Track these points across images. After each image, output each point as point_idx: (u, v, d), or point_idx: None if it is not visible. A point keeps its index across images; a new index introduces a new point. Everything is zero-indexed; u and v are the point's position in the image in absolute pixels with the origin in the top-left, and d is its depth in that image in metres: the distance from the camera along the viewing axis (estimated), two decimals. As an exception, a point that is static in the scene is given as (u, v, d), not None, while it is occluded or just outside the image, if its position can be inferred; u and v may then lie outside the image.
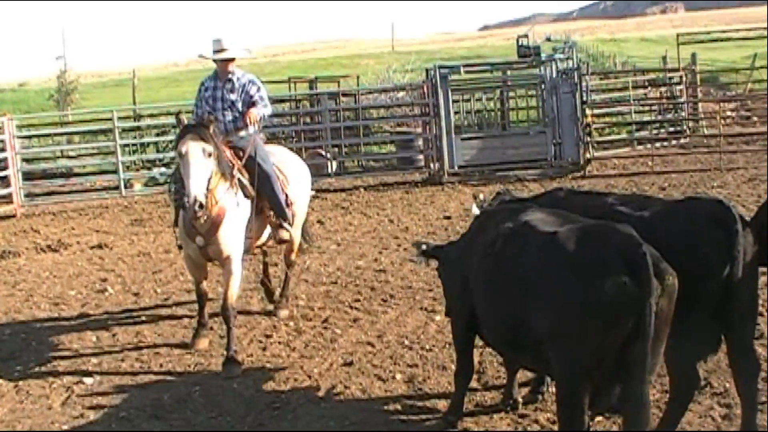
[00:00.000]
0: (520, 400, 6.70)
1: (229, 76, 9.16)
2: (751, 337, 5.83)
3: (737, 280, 5.36)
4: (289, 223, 9.27)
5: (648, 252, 4.79)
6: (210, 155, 7.97)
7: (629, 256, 4.80)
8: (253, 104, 9.10)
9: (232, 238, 8.47)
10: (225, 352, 8.22)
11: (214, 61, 9.18)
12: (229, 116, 9.11)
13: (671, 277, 4.93)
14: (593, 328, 4.83)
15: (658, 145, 21.34)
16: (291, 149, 21.01)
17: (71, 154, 24.76)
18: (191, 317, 9.81)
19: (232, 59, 9.17)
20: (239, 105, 9.11)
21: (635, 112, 23.19)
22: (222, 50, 9.07)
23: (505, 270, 5.48)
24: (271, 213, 9.09)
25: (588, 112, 19.80)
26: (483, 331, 6.01)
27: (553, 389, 5.97)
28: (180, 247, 9.26)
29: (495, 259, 5.61)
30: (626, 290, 4.75)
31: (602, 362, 4.88)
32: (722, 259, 5.35)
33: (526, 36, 24.35)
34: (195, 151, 7.87)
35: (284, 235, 9.35)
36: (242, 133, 9.09)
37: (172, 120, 22.12)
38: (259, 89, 9.22)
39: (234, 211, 8.46)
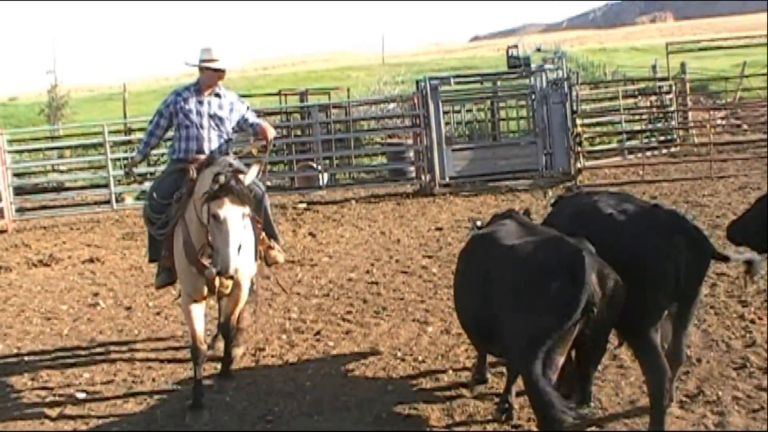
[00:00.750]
0: (516, 407, 6.71)
1: (217, 90, 8.32)
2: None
3: (684, 282, 5.99)
4: (279, 244, 8.80)
5: (588, 259, 5.49)
6: (245, 216, 7.21)
7: (571, 262, 5.50)
8: (245, 123, 8.39)
9: (247, 264, 7.77)
10: (220, 367, 8.14)
11: (202, 70, 8.27)
12: (214, 135, 8.23)
13: (612, 280, 5.59)
14: (542, 321, 5.52)
15: (648, 154, 21.41)
16: (282, 162, 21.35)
17: (62, 168, 24.73)
18: (184, 330, 9.80)
19: (223, 71, 8.29)
20: (228, 124, 8.31)
21: (625, 121, 23.28)
22: (212, 60, 8.20)
23: (473, 271, 6.40)
24: (264, 235, 8.44)
25: (578, 121, 19.89)
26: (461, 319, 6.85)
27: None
28: (159, 288, 8.58)
29: (466, 260, 6.67)
30: (567, 289, 5.45)
31: (555, 351, 5.57)
32: (670, 262, 5.95)
33: (516, 46, 24.35)
34: (236, 217, 7.00)
35: (278, 257, 8.76)
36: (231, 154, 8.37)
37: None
38: (248, 108, 8.57)
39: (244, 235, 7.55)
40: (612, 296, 5.60)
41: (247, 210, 7.14)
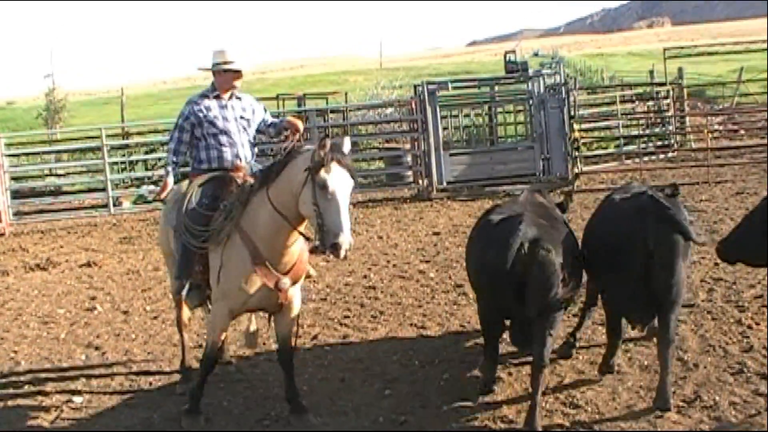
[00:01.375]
0: (514, 413, 6.73)
1: (236, 92, 7.82)
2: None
3: (656, 257, 6.61)
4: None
5: (520, 232, 6.47)
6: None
7: (507, 234, 6.51)
8: (265, 124, 7.95)
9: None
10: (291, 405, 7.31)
11: (217, 73, 7.75)
12: (245, 138, 7.73)
13: (543, 250, 6.39)
14: (485, 283, 6.80)
15: (645, 159, 21.41)
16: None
17: (60, 172, 24.77)
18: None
19: (241, 72, 7.78)
20: (253, 127, 7.85)
21: (623, 126, 23.29)
22: (228, 62, 7.69)
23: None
24: None
25: (576, 126, 19.89)
26: None
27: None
28: (194, 309, 7.97)
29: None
30: (500, 257, 6.46)
31: (502, 310, 6.76)
32: (642, 238, 6.61)
33: (513, 51, 24.33)
34: (346, 187, 6.66)
35: (310, 270, 7.97)
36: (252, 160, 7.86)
37: (160, 137, 22.26)
38: (265, 109, 8.05)
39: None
40: (542, 263, 6.37)
41: (352, 185, 6.78)
